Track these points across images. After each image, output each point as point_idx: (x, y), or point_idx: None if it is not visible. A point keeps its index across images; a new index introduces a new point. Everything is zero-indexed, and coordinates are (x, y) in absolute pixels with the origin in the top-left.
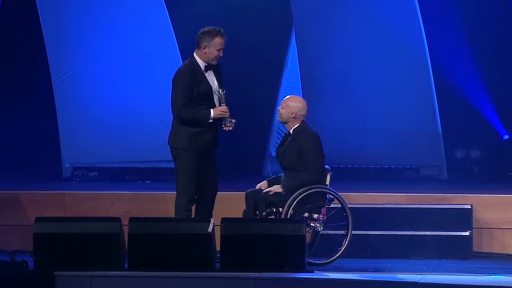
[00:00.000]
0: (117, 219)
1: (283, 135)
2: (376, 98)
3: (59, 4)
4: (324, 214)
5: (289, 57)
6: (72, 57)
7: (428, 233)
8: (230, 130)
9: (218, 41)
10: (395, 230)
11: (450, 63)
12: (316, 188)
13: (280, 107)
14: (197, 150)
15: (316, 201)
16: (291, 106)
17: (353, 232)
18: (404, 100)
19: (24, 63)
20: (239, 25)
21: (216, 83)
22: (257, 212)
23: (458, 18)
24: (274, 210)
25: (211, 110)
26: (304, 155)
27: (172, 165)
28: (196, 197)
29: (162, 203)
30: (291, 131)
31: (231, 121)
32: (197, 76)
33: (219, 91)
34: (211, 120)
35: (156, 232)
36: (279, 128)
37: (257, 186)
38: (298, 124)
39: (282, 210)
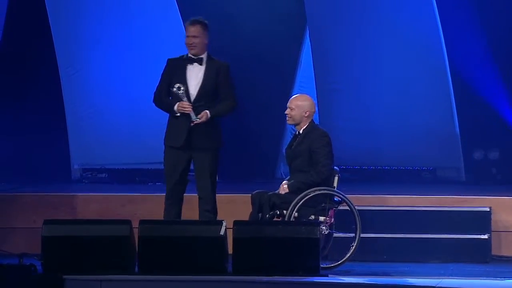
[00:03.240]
0: (127, 222)
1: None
2: (392, 98)
3: (68, 1)
4: (331, 217)
5: (302, 56)
6: (81, 56)
7: (446, 236)
8: (197, 123)
9: (186, 28)
10: (412, 233)
11: (468, 63)
12: (322, 190)
13: (289, 109)
14: (169, 145)
15: (322, 203)
16: (302, 105)
17: (368, 235)
18: (421, 101)
19: (32, 62)
20: (251, 23)
21: (197, 81)
22: (260, 215)
23: (476, 18)
24: (278, 213)
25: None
26: (312, 155)
27: None
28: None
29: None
30: (301, 131)
31: (195, 117)
32: (177, 67)
33: (178, 86)
34: (178, 114)
35: (167, 235)
36: (292, 128)
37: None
38: (307, 124)
39: (286, 212)
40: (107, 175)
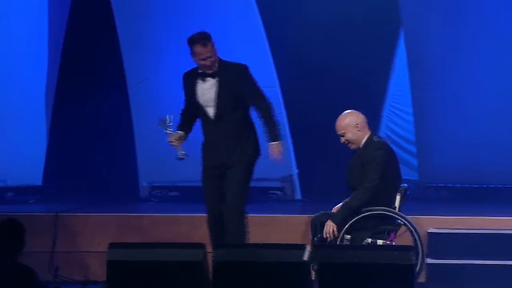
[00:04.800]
0: (201, 246)
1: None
2: (496, 108)
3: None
4: (391, 240)
5: (396, 61)
6: (149, 62)
7: None
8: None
9: (196, 50)
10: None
11: None
12: (376, 210)
13: (342, 138)
14: (203, 163)
15: (379, 225)
16: (347, 124)
17: (470, 261)
18: None
19: (99, 68)
20: (342, 25)
21: (211, 95)
22: (315, 238)
23: None
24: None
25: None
26: (363, 169)
27: (264, 183)
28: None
29: (252, 227)
30: (361, 146)
31: (182, 153)
32: (190, 83)
33: (162, 120)
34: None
35: (245, 260)
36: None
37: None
38: (367, 136)
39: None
40: (178, 193)
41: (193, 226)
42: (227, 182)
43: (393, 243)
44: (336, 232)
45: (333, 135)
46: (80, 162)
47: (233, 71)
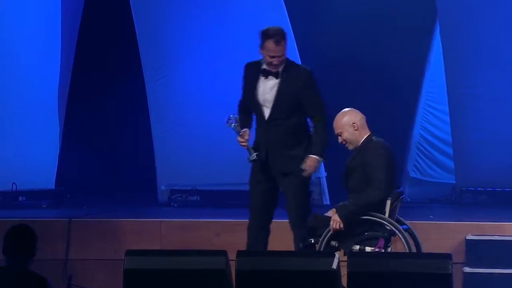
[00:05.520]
0: (223, 253)
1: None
2: None
3: None
4: (380, 247)
5: (431, 55)
6: (168, 60)
7: None
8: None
9: (267, 46)
10: None
11: None
12: (367, 215)
13: (340, 138)
14: (252, 168)
15: (367, 231)
16: (345, 122)
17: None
18: None
19: (115, 65)
20: (372, 17)
21: (271, 95)
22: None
23: None
24: (312, 241)
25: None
26: (366, 170)
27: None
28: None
29: (277, 233)
30: (358, 146)
31: (255, 154)
32: (252, 77)
33: (230, 119)
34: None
35: (270, 269)
36: (419, 143)
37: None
38: (366, 136)
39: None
40: (199, 197)
41: (215, 232)
42: (285, 193)
43: (382, 250)
44: (342, 228)
45: None
46: (94, 165)
47: (296, 74)
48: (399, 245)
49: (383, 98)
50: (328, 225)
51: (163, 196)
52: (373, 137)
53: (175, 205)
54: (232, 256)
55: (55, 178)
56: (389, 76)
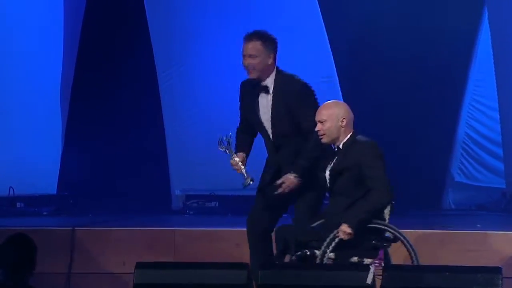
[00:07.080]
0: (244, 266)
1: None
2: None
3: None
4: (381, 258)
5: (478, 46)
6: (183, 53)
7: None
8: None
9: (243, 44)
10: None
11: None
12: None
13: (320, 124)
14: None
15: (367, 241)
16: (334, 113)
17: None
18: None
19: (124, 62)
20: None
21: (268, 112)
22: (287, 256)
23: None
24: (308, 253)
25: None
26: (364, 172)
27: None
28: None
29: None
30: (340, 146)
31: (250, 179)
32: (249, 94)
33: (223, 138)
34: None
35: (293, 284)
36: (464, 142)
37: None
38: (349, 135)
39: (319, 252)
40: (217, 204)
41: (235, 243)
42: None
43: (382, 262)
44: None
45: (400, 135)
46: (100, 167)
47: (287, 87)
48: (395, 256)
49: (424, 93)
50: (320, 238)
51: (178, 202)
52: (358, 136)
53: (191, 212)
54: None
55: (57, 182)
56: (431, 68)
